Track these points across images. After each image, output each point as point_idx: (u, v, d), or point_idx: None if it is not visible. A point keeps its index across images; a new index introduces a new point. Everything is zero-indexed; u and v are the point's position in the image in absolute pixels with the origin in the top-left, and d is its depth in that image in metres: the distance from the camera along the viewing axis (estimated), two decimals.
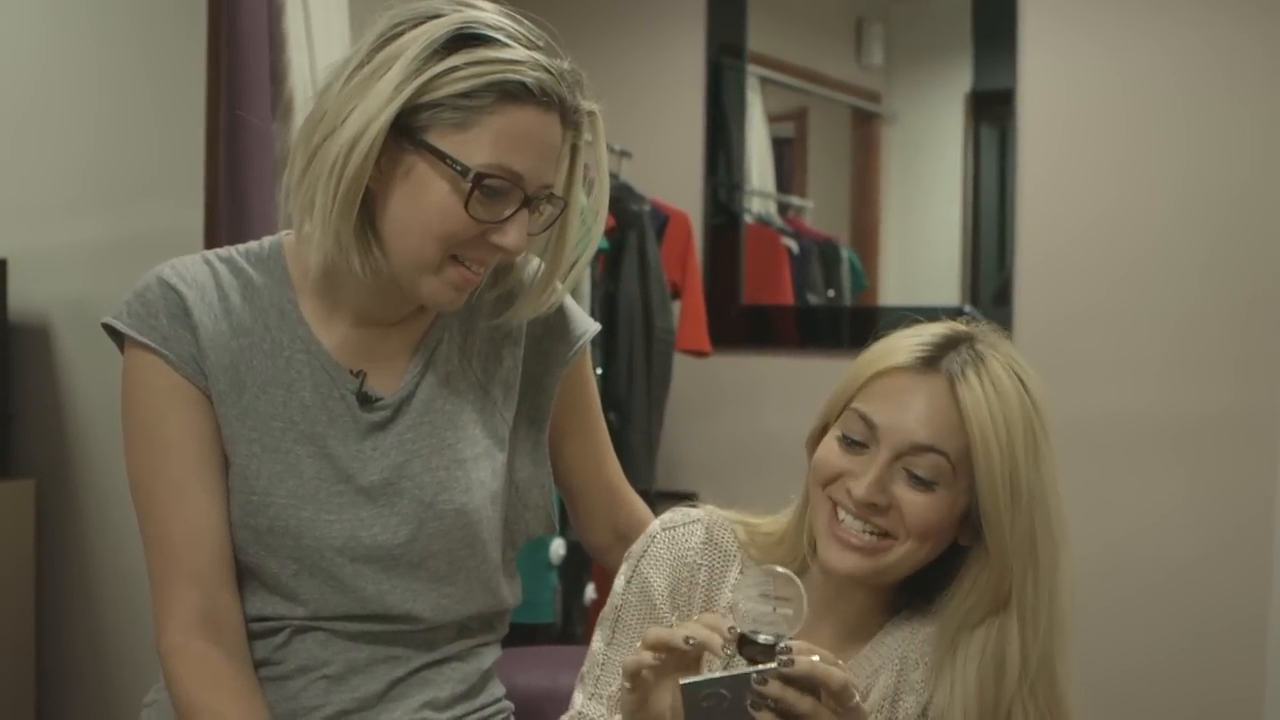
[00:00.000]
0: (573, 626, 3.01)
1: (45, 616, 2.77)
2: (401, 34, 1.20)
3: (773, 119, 3.71)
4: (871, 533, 1.19)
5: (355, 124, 1.18)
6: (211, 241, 2.50)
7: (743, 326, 3.58)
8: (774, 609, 1.05)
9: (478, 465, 1.32)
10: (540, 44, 1.24)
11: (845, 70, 3.62)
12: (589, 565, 3.01)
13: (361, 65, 1.21)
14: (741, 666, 1.06)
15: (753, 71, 3.63)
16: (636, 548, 1.33)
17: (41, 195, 2.78)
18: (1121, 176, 3.16)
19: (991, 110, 3.35)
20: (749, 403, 3.56)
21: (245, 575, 1.31)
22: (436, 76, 1.18)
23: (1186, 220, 3.09)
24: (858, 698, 1.05)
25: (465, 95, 1.18)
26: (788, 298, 3.63)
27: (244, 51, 2.45)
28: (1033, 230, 3.27)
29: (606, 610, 1.34)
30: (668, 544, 1.31)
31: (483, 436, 1.34)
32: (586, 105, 1.26)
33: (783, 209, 3.75)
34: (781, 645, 1.03)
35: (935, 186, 3.50)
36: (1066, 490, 1.21)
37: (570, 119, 1.25)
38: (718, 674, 1.07)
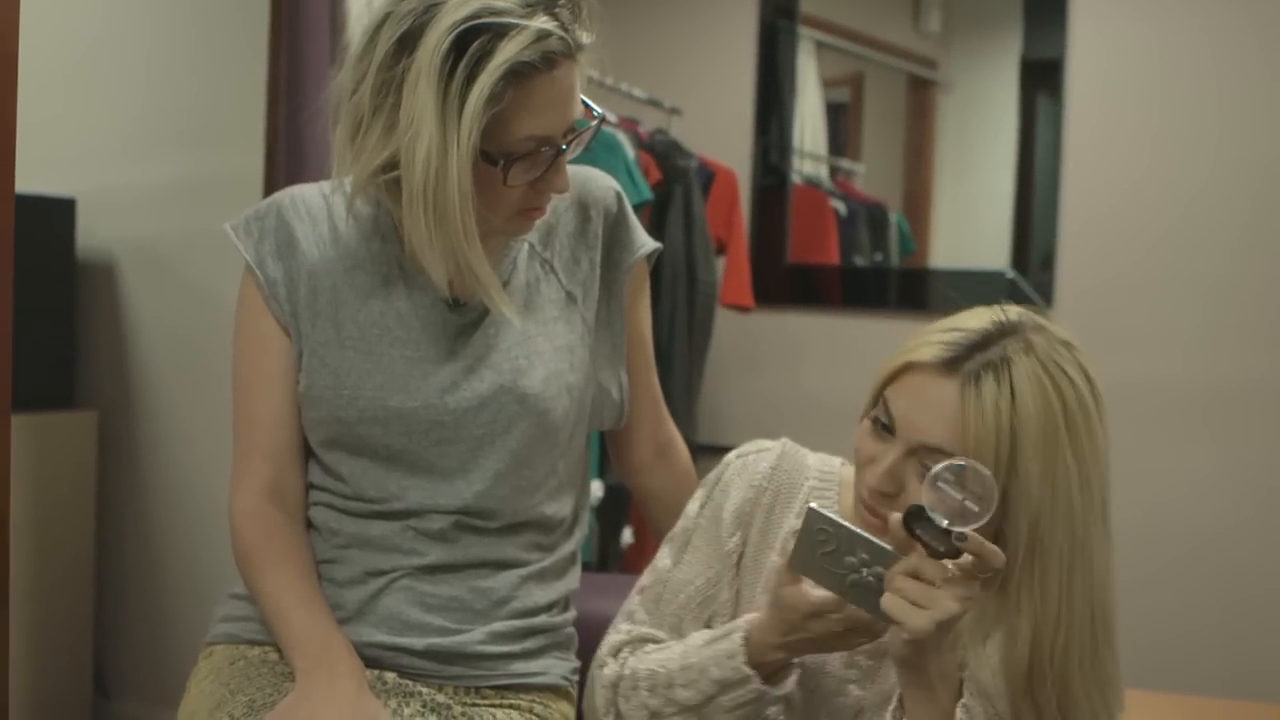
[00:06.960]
0: (609, 569, 3.07)
1: (105, 542, 2.87)
2: (415, 45, 1.25)
3: (829, 84, 3.72)
4: None
5: (423, 165, 1.24)
6: (271, 186, 2.58)
7: (787, 285, 3.62)
8: (963, 500, 1.09)
9: (557, 357, 1.43)
10: None
11: (902, 36, 3.62)
12: (627, 509, 3.08)
13: (388, 71, 1.26)
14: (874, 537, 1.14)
15: (808, 34, 3.64)
16: (711, 475, 1.42)
17: (110, 138, 2.85)
18: (1164, 146, 3.16)
19: (1045, 79, 3.35)
20: (791, 360, 3.60)
21: (340, 461, 1.42)
22: (476, 106, 1.23)
23: (1226, 190, 3.09)
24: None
25: (491, 100, 1.24)
26: (833, 258, 3.66)
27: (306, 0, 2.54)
28: (1077, 197, 3.28)
29: (677, 530, 1.42)
30: (739, 469, 1.40)
31: (565, 332, 1.45)
32: (586, 38, 1.31)
33: (834, 171, 3.77)
34: (957, 534, 1.09)
35: (989, 153, 3.50)
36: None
37: (576, 54, 1.31)
38: (849, 525, 1.15)
